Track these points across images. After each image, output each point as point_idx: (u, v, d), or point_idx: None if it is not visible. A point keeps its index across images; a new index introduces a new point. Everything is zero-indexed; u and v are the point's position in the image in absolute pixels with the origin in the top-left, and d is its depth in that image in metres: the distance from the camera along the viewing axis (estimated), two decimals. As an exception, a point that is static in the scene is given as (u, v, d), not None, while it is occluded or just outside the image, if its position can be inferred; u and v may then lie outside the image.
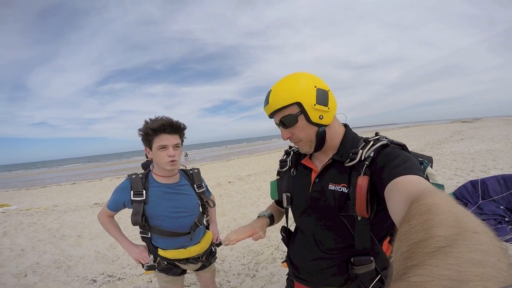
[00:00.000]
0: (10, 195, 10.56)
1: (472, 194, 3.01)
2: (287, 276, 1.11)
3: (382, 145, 0.76)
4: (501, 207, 2.76)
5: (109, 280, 2.69)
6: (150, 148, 1.28)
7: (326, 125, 0.82)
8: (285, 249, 1.06)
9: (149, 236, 1.34)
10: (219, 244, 1.62)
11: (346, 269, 0.82)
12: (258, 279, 2.43)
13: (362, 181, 0.71)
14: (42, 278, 2.84)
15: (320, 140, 0.82)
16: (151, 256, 1.36)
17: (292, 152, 1.02)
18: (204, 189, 1.49)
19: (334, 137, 0.85)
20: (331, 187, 0.81)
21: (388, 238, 0.84)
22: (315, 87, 0.78)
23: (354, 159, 0.76)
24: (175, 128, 1.27)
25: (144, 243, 1.39)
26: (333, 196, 0.80)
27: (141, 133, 1.27)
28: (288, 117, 0.79)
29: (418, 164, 0.68)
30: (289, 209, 1.01)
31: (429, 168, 0.76)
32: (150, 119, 1.27)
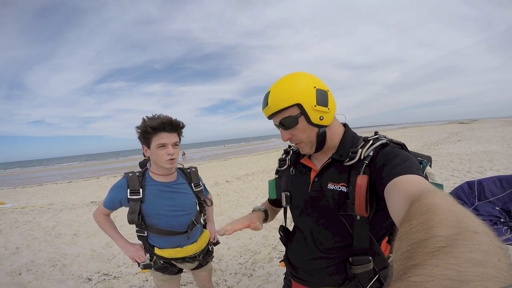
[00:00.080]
0: (6, 193, 10.46)
1: (468, 195, 3.03)
2: (284, 276, 1.10)
3: (382, 144, 0.75)
4: (497, 208, 2.78)
5: (104, 279, 2.67)
6: (148, 147, 1.26)
7: (326, 126, 0.81)
8: (282, 248, 1.05)
9: (146, 234, 1.33)
10: (216, 243, 1.61)
11: (344, 269, 0.82)
12: (255, 279, 2.42)
13: (362, 180, 0.71)
14: (36, 276, 2.81)
15: (321, 141, 0.82)
16: (147, 255, 1.35)
17: (291, 151, 1.01)
18: (201, 187, 1.48)
19: (334, 137, 0.85)
20: (330, 186, 0.80)
21: (386, 238, 0.84)
22: (315, 87, 0.77)
23: (354, 158, 0.75)
24: (175, 127, 1.26)
25: (140, 242, 1.38)
26: (332, 195, 0.80)
27: (139, 131, 1.25)
28: (288, 119, 0.78)
29: (418, 164, 0.68)
30: (288, 208, 1.01)
31: (428, 167, 0.76)
32: (148, 117, 1.26)
